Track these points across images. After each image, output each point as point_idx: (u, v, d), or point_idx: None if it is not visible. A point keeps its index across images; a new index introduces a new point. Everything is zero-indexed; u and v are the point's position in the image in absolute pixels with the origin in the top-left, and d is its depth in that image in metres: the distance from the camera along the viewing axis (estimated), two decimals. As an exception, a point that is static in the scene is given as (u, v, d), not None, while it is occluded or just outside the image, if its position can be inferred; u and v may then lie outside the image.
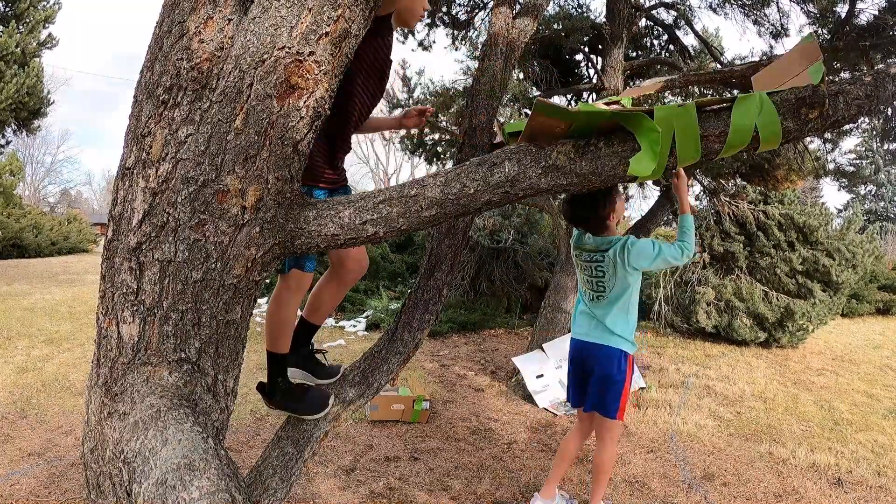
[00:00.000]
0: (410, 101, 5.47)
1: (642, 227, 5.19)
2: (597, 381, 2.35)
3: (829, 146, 5.36)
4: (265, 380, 1.72)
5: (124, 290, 1.15)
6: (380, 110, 1.96)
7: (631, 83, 4.90)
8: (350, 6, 1.11)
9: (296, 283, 1.67)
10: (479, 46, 5.24)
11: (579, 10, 5.25)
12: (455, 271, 1.84)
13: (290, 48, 1.08)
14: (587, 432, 2.61)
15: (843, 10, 3.84)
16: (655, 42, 5.61)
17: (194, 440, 0.94)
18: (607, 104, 1.89)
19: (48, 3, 14.77)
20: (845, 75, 3.97)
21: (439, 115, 5.09)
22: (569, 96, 5.04)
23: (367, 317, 7.16)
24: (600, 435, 2.45)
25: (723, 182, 6.40)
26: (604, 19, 4.72)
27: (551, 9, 5.01)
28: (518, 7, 2.10)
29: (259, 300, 1.44)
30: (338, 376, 1.77)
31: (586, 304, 2.44)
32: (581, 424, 2.60)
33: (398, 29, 1.92)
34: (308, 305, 1.88)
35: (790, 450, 3.48)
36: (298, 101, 1.11)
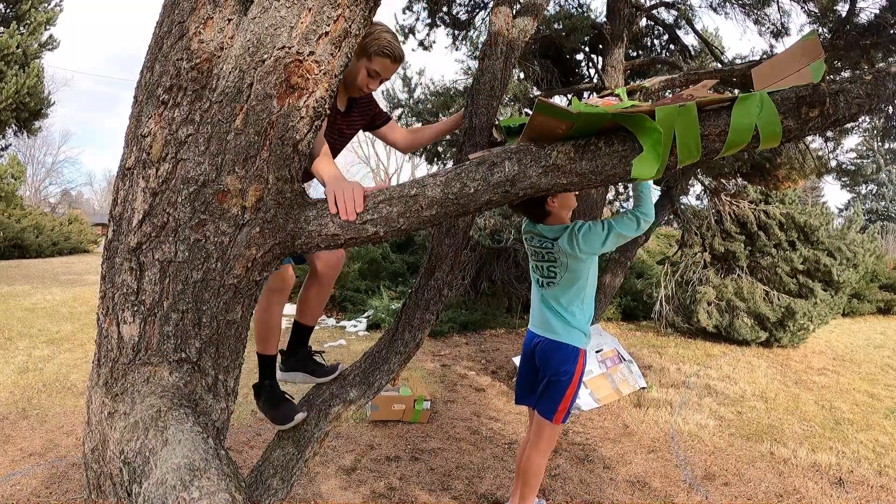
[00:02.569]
0: (411, 101, 5.47)
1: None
2: (546, 380, 2.27)
3: (830, 145, 5.36)
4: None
5: (125, 291, 1.15)
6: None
7: (631, 83, 4.90)
8: (350, 6, 1.11)
9: (277, 280, 1.67)
10: (480, 46, 5.24)
11: (580, 10, 5.26)
12: (456, 271, 1.84)
13: (290, 48, 1.08)
14: None
15: (843, 8, 3.84)
16: (656, 41, 5.62)
17: (195, 440, 0.94)
18: (602, 97, 1.89)
19: (49, 4, 14.81)
20: (846, 74, 3.97)
21: (440, 115, 5.10)
22: (569, 96, 5.04)
23: (367, 317, 7.16)
24: (535, 435, 2.32)
25: (724, 181, 6.40)
26: (604, 19, 4.73)
27: (552, 8, 5.01)
28: (518, 7, 2.09)
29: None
30: (335, 374, 1.78)
31: (540, 291, 2.35)
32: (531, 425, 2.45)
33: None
34: (298, 308, 1.89)
35: (791, 449, 3.48)
36: (298, 101, 1.11)
